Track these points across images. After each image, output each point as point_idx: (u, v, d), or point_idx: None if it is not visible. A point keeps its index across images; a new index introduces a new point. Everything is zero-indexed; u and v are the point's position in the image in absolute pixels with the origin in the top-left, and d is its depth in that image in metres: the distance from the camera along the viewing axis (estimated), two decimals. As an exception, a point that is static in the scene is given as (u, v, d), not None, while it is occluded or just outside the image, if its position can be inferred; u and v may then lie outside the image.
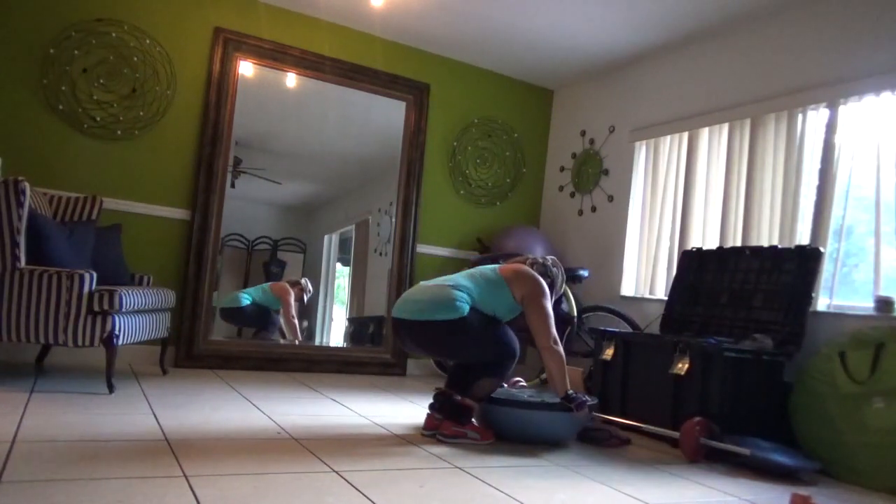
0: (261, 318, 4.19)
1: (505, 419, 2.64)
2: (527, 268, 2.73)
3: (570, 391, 2.62)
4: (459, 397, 2.57)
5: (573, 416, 2.61)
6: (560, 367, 2.63)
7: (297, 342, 4.25)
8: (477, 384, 2.58)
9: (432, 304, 2.54)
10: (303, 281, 4.29)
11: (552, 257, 2.86)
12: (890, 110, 3.02)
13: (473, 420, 2.62)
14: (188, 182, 3.91)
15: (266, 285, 4.21)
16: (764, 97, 3.53)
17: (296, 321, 4.25)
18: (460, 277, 2.68)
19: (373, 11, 4.09)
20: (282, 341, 4.23)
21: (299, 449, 2.18)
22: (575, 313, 3.99)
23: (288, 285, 4.25)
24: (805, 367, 2.87)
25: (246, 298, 4.15)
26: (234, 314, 4.13)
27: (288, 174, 4.27)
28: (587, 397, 2.67)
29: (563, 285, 2.89)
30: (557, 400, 2.63)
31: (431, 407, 2.61)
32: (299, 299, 4.28)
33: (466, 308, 2.54)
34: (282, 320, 4.23)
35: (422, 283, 2.73)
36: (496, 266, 2.77)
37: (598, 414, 2.96)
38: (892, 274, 2.99)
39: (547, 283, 2.70)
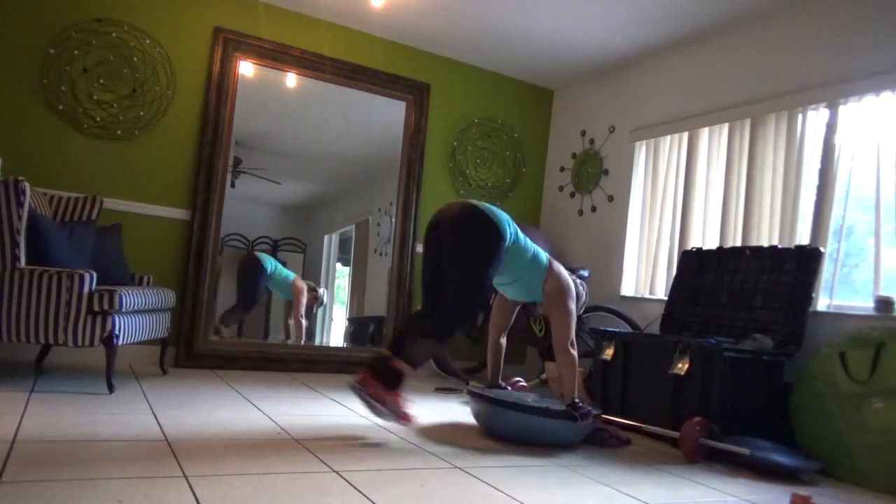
0: (254, 290, 4.17)
1: (508, 422, 2.63)
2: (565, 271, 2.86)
3: (577, 399, 2.62)
4: (393, 360, 2.45)
5: (577, 426, 2.61)
6: (572, 371, 2.66)
7: (301, 342, 4.25)
8: (416, 346, 2.47)
9: (497, 212, 2.61)
10: (321, 291, 4.31)
11: (581, 281, 2.96)
12: (890, 110, 3.02)
13: (402, 402, 2.47)
14: (188, 182, 3.91)
15: (292, 276, 4.23)
16: (764, 97, 3.53)
17: (304, 321, 4.25)
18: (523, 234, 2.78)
19: (373, 11, 4.09)
20: (288, 342, 4.23)
21: (299, 449, 2.18)
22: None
23: (307, 288, 4.27)
24: (805, 367, 2.87)
25: (270, 265, 4.15)
26: (249, 267, 4.11)
27: (288, 174, 4.27)
28: (592, 407, 2.68)
29: (584, 306, 2.98)
30: (562, 407, 2.63)
31: (367, 364, 2.47)
32: (311, 306, 4.30)
33: (508, 239, 2.59)
34: (290, 320, 4.24)
35: None
36: (548, 255, 2.87)
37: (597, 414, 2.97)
38: (892, 274, 2.99)
39: None
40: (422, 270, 2.74)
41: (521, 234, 2.74)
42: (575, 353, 2.69)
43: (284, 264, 4.25)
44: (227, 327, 4.04)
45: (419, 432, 2.64)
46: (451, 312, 2.53)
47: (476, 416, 2.81)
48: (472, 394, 2.79)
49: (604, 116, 4.68)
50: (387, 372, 2.41)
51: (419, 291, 4.55)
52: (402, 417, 2.45)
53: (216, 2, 3.99)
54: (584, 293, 2.93)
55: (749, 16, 3.61)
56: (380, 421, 2.75)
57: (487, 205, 2.64)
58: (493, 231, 2.56)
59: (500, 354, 3.03)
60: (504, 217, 2.65)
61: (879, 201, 2.99)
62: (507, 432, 2.65)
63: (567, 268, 2.92)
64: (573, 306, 2.75)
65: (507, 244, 2.60)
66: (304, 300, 4.27)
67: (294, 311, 4.25)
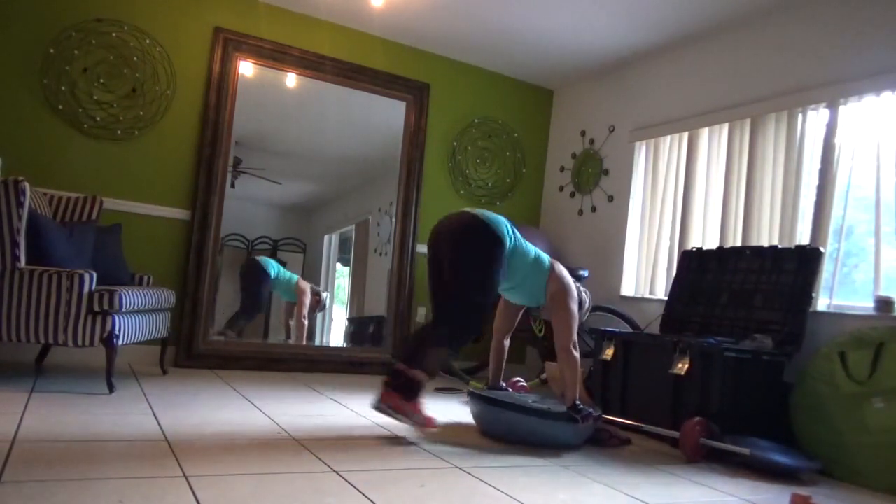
0: (258, 295, 4.17)
1: (509, 423, 2.63)
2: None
3: (578, 402, 2.62)
4: (408, 370, 2.49)
5: (578, 428, 2.61)
6: (574, 373, 2.66)
7: (303, 343, 4.26)
8: (429, 355, 2.52)
9: (495, 218, 2.64)
10: (324, 294, 4.31)
11: (585, 289, 2.97)
12: (890, 110, 3.02)
13: (423, 409, 2.51)
14: (188, 182, 3.91)
15: (296, 277, 4.23)
16: (764, 97, 3.53)
17: (306, 323, 4.26)
18: (523, 238, 2.80)
19: (373, 11, 4.09)
20: (289, 341, 4.23)
21: (299, 449, 2.18)
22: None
23: (310, 290, 4.27)
24: (805, 367, 2.87)
25: (273, 269, 4.15)
26: (252, 272, 4.11)
27: (288, 174, 4.27)
28: (593, 409, 2.68)
29: (587, 315, 3.00)
30: (563, 409, 2.63)
31: (385, 384, 2.51)
32: (313, 309, 4.30)
33: (508, 244, 2.61)
34: (292, 321, 4.24)
35: None
36: (550, 258, 2.89)
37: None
38: (892, 274, 2.99)
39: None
40: (427, 280, 2.75)
41: (521, 239, 2.75)
42: (577, 354, 2.69)
43: (284, 264, 4.25)
44: (235, 333, 4.05)
45: (419, 432, 2.64)
46: (459, 321, 2.56)
47: (476, 417, 2.80)
48: (473, 395, 2.78)
49: (604, 116, 4.68)
50: (404, 384, 2.48)
51: (419, 291, 4.56)
52: (426, 423, 2.51)
53: (216, 2, 3.99)
54: (587, 300, 2.93)
55: (749, 16, 3.61)
56: (380, 421, 2.75)
57: (486, 212, 2.65)
58: (493, 238, 2.57)
59: (502, 356, 3.03)
60: (503, 222, 2.65)
61: (879, 201, 2.99)
62: (507, 434, 2.65)
63: (567, 268, 2.93)
64: (575, 308, 2.75)
65: (507, 249, 2.61)
66: (308, 301, 4.27)
67: (297, 313, 4.25)
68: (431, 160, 4.70)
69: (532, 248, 2.79)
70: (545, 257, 2.82)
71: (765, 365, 2.91)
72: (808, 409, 2.77)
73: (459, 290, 2.56)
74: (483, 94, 4.90)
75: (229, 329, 4.03)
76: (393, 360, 2.61)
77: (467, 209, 2.68)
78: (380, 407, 2.48)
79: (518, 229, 2.85)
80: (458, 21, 4.12)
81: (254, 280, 4.14)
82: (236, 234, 4.10)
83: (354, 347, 4.45)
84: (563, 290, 2.75)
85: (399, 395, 2.47)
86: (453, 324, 2.55)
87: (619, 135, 4.51)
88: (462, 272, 2.56)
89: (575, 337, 2.71)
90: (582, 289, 2.92)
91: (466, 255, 2.57)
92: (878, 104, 3.07)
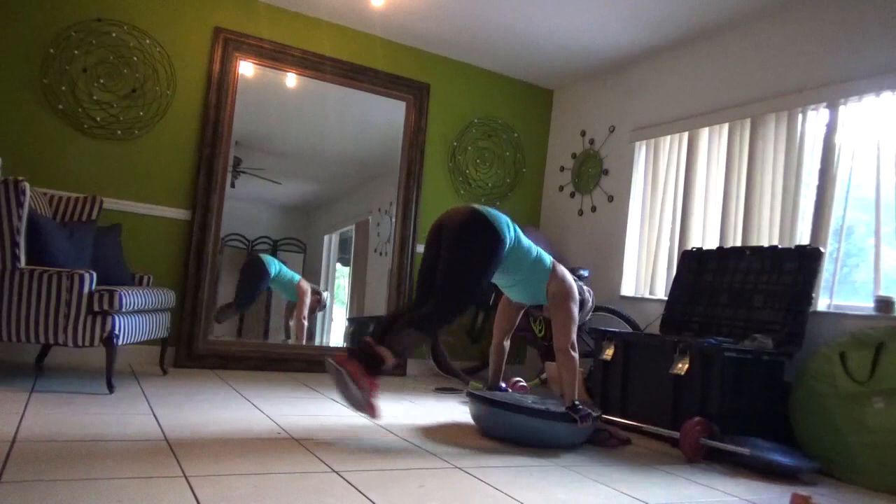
0: (253, 292, 4.16)
1: (508, 424, 2.63)
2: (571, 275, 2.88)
3: (577, 401, 2.62)
4: (376, 345, 2.44)
5: (577, 428, 2.61)
6: (572, 373, 2.66)
7: (302, 343, 4.26)
8: (401, 333, 2.47)
9: (497, 216, 2.63)
10: (324, 294, 4.31)
11: (589, 288, 2.97)
12: (890, 110, 3.02)
13: (376, 392, 2.42)
14: (188, 182, 3.91)
15: (297, 277, 4.23)
16: (764, 97, 3.53)
17: (306, 323, 4.25)
18: (525, 237, 2.80)
19: (373, 11, 4.09)
20: (288, 342, 4.23)
21: (299, 449, 2.18)
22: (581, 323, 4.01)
23: (310, 291, 4.27)
24: (805, 367, 2.87)
25: (274, 268, 4.15)
26: (253, 269, 4.11)
27: (288, 174, 4.27)
28: (592, 410, 2.68)
29: (590, 314, 3.00)
30: (562, 409, 2.63)
31: (349, 351, 2.48)
32: (313, 309, 4.30)
33: (508, 243, 2.61)
34: (292, 322, 4.24)
35: None
36: (552, 258, 2.88)
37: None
38: (892, 274, 2.99)
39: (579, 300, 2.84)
40: (420, 266, 2.75)
41: (523, 237, 2.75)
42: (576, 355, 2.69)
43: (285, 264, 4.25)
44: (220, 323, 4.03)
45: (419, 432, 2.64)
46: (440, 307, 2.55)
47: (475, 418, 2.80)
48: (472, 396, 2.78)
49: (604, 116, 4.68)
50: (369, 356, 2.41)
51: (419, 291, 4.55)
52: (371, 407, 2.41)
53: (216, 2, 3.99)
54: (590, 299, 2.93)
55: (749, 16, 3.61)
56: (379, 421, 2.75)
57: (489, 209, 2.66)
58: (494, 234, 2.58)
59: (502, 357, 3.03)
60: (504, 220, 2.66)
61: (879, 201, 2.99)
62: (507, 435, 2.64)
63: (567, 268, 2.93)
64: (575, 309, 2.75)
65: (507, 247, 2.62)
66: (308, 302, 4.27)
67: (297, 313, 4.25)
68: (431, 160, 4.70)
69: (534, 248, 2.79)
70: (547, 258, 2.83)
71: (765, 365, 2.91)
72: (808, 409, 2.77)
73: (450, 281, 2.55)
74: (483, 94, 4.90)
75: (216, 320, 4.01)
76: (368, 336, 2.56)
77: (472, 204, 2.69)
78: (334, 366, 2.37)
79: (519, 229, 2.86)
80: (458, 21, 4.12)
81: (253, 276, 4.14)
82: (236, 234, 4.10)
83: (354, 347, 4.44)
84: (564, 291, 2.75)
85: (362, 367, 2.38)
86: (433, 310, 2.54)
87: (619, 135, 4.51)
88: (457, 264, 2.56)
89: (574, 338, 2.71)
90: (586, 288, 2.92)
91: (464, 250, 2.57)
92: (878, 104, 3.07)
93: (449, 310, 2.56)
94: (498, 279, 2.78)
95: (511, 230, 2.67)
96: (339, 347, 4.42)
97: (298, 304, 4.25)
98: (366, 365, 2.40)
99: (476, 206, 2.66)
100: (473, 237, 2.56)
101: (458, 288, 2.55)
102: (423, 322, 2.52)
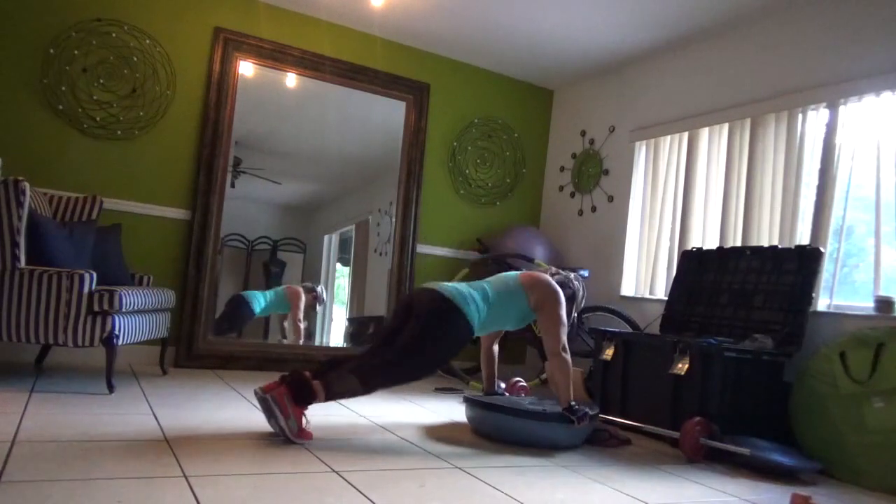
0: (237, 326, 4.11)
1: (506, 427, 2.62)
2: (546, 276, 2.80)
3: (573, 402, 2.62)
4: (312, 379, 2.32)
5: (575, 429, 2.61)
6: (566, 376, 2.64)
7: (301, 342, 4.25)
8: (345, 378, 2.37)
9: (460, 293, 2.57)
10: (318, 289, 4.29)
11: (576, 274, 2.93)
12: (890, 110, 3.02)
13: (303, 419, 2.30)
14: (188, 182, 3.91)
15: (281, 288, 4.20)
16: (764, 97, 3.53)
17: (302, 325, 4.25)
18: (481, 283, 2.72)
19: (373, 11, 4.09)
20: (284, 342, 4.23)
21: (299, 449, 2.18)
22: (575, 313, 3.99)
23: (302, 291, 4.25)
24: (805, 367, 2.87)
25: (259, 305, 4.12)
26: (236, 307, 4.07)
27: (288, 174, 4.27)
28: (589, 409, 2.67)
29: (584, 300, 2.96)
30: (559, 410, 2.63)
31: (282, 377, 2.34)
32: (312, 306, 4.28)
33: (475, 321, 2.57)
34: (286, 323, 4.23)
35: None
36: (518, 273, 2.82)
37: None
38: (892, 274, 2.99)
39: (567, 294, 2.79)
40: (386, 322, 2.68)
41: (490, 290, 2.66)
42: (568, 356, 2.66)
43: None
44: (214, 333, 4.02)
45: (419, 432, 2.64)
46: (393, 371, 2.46)
47: (472, 422, 2.79)
48: (468, 400, 2.78)
49: (604, 116, 4.68)
50: (301, 388, 2.29)
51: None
52: (301, 435, 2.28)
53: (216, 2, 3.99)
54: (579, 287, 2.89)
55: (749, 16, 3.61)
56: (379, 421, 2.75)
57: (455, 289, 2.58)
58: (463, 326, 2.52)
59: (493, 362, 3.02)
60: (470, 296, 2.58)
61: (879, 201, 2.99)
62: (504, 438, 2.64)
63: (567, 268, 2.92)
64: (562, 312, 2.70)
65: (476, 327, 2.58)
66: (302, 304, 4.25)
67: (292, 316, 4.23)
68: (431, 160, 4.70)
69: (497, 283, 2.71)
70: (512, 277, 2.75)
71: (765, 365, 2.91)
72: (808, 409, 2.77)
73: (410, 356, 2.46)
74: (483, 94, 4.90)
75: (212, 333, 3.99)
76: (322, 364, 2.50)
77: (436, 287, 2.59)
78: (261, 395, 2.27)
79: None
80: (458, 21, 4.12)
81: (236, 314, 4.08)
82: (236, 234, 4.10)
83: (354, 347, 4.45)
84: (545, 297, 2.70)
85: (289, 393, 2.26)
86: (384, 369, 2.45)
87: (619, 135, 4.51)
88: (420, 344, 2.47)
89: (564, 340, 2.67)
90: (571, 276, 2.88)
91: (432, 336, 2.48)
92: (878, 104, 3.07)
93: (400, 376, 2.50)
94: (482, 331, 2.73)
95: (477, 305, 2.59)
96: (340, 347, 4.42)
97: (292, 308, 4.22)
98: (295, 395, 2.27)
99: (441, 289, 2.57)
100: (441, 326, 2.50)
101: (416, 365, 2.48)
102: (369, 376, 2.40)
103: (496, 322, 2.71)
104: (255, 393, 2.30)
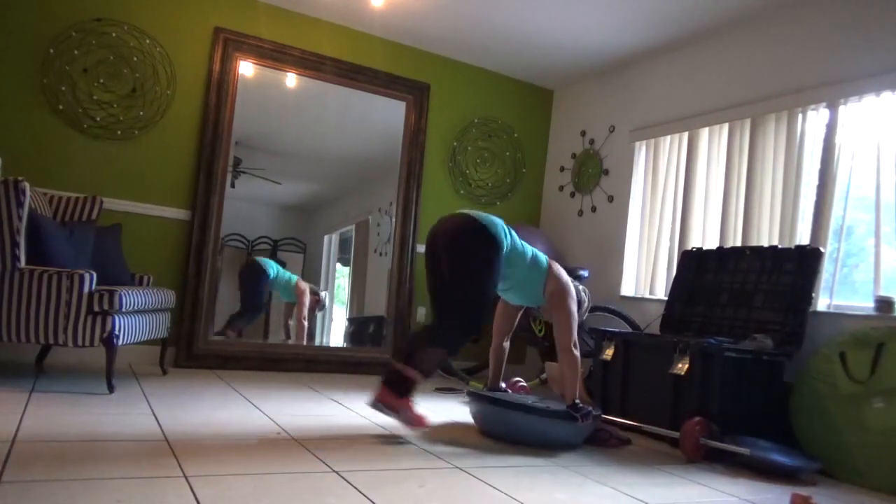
0: (258, 296, 4.16)
1: (508, 422, 2.63)
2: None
3: (578, 400, 2.63)
4: (405, 369, 2.49)
5: (578, 427, 2.61)
6: (574, 372, 2.67)
7: (303, 343, 4.26)
8: (424, 353, 2.51)
9: (491, 220, 2.64)
10: (322, 294, 4.31)
11: (583, 287, 2.98)
12: (890, 110, 3.02)
13: (414, 407, 2.51)
14: (188, 182, 3.91)
15: (295, 278, 4.23)
16: (764, 97, 3.53)
17: (306, 324, 4.26)
18: (519, 238, 2.80)
19: (373, 11, 4.09)
20: (289, 342, 4.23)
21: (299, 449, 2.18)
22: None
23: (310, 290, 4.27)
24: (805, 367, 2.87)
25: (272, 270, 4.15)
26: (251, 272, 4.11)
27: (288, 174, 4.27)
28: (592, 409, 2.68)
29: (587, 314, 3.01)
30: (563, 408, 2.63)
31: (382, 381, 2.52)
32: (312, 310, 4.30)
33: (504, 247, 2.62)
34: (292, 321, 4.24)
35: None
36: (547, 257, 2.88)
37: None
38: (892, 274, 2.99)
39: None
40: (426, 280, 2.75)
41: (518, 240, 2.75)
42: (578, 353, 2.70)
43: (284, 265, 4.25)
44: (235, 333, 4.04)
45: (419, 432, 2.64)
46: (455, 322, 2.56)
47: (475, 416, 2.80)
48: (472, 395, 2.79)
49: (604, 116, 4.68)
50: (399, 381, 2.49)
51: (419, 291, 4.56)
52: (416, 422, 2.50)
53: (216, 2, 3.99)
54: (586, 299, 2.94)
55: (749, 16, 3.61)
56: (379, 421, 2.76)
57: (482, 214, 2.66)
58: (489, 240, 2.58)
59: (502, 358, 3.03)
60: (499, 225, 2.66)
61: (879, 201, 2.99)
62: (507, 433, 2.65)
63: (567, 268, 2.93)
64: (574, 307, 2.76)
65: (504, 252, 2.62)
66: (307, 302, 4.27)
67: (297, 313, 4.25)
68: (431, 160, 4.70)
69: (529, 249, 2.80)
70: (543, 257, 2.83)
71: (765, 365, 2.91)
72: (808, 409, 2.78)
73: (457, 292, 2.57)
74: (483, 94, 4.90)
75: (229, 329, 4.03)
76: (392, 359, 2.60)
77: (464, 210, 2.69)
78: (375, 405, 2.50)
79: (517, 230, 2.86)
80: (458, 21, 4.12)
81: (253, 281, 4.14)
82: (236, 234, 4.10)
83: (354, 347, 4.45)
84: (561, 289, 2.75)
85: (393, 393, 2.48)
86: (452, 325, 2.56)
87: (619, 135, 4.51)
88: (459, 274, 2.57)
89: (575, 336, 2.71)
90: (581, 287, 2.92)
91: (463, 258, 2.58)
92: (878, 104, 3.07)
93: (464, 323, 2.56)
94: (501, 279, 2.76)
95: (507, 235, 2.67)
96: (340, 347, 4.42)
97: (298, 305, 4.25)
98: (396, 389, 2.48)
99: (468, 212, 2.66)
100: (468, 245, 2.56)
101: (464, 301, 2.56)
102: (443, 339, 2.54)
103: (510, 278, 2.72)
104: (370, 405, 2.51)
